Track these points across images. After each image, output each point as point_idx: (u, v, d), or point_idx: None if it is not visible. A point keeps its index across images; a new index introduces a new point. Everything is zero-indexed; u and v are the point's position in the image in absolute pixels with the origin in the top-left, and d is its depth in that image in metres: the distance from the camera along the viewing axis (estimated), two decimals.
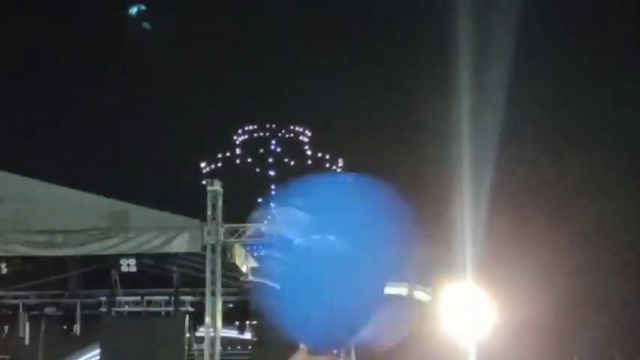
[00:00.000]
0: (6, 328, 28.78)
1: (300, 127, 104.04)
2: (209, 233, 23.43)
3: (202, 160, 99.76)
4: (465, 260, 27.23)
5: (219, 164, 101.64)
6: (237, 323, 28.19)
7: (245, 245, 25.17)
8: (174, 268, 25.35)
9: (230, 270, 24.99)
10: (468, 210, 31.58)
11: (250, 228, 24.07)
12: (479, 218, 32.54)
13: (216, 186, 23.87)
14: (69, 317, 27.90)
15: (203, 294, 24.02)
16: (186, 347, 25.57)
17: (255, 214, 24.85)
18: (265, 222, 23.85)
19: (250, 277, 25.06)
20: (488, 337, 26.07)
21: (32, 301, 27.95)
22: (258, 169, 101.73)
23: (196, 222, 23.64)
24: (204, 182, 24.18)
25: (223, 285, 24.04)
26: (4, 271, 24.78)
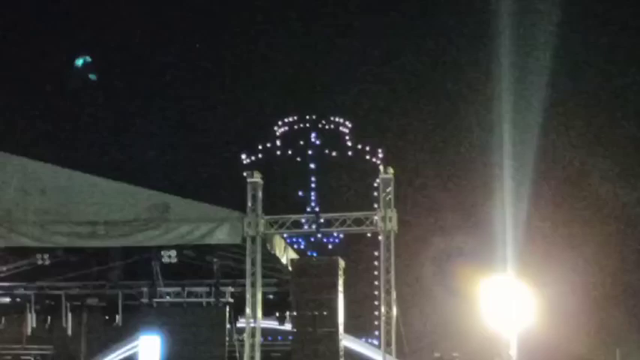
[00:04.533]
0: (49, 318, 29.05)
1: (340, 119, 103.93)
2: (249, 225, 23.50)
3: (243, 152, 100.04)
4: (506, 253, 27.16)
5: (260, 156, 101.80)
6: (277, 314, 28.34)
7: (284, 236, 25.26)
8: (215, 260, 25.47)
9: (270, 261, 25.06)
10: (510, 204, 31.47)
11: (290, 219, 24.13)
12: (520, 212, 32.43)
13: (257, 178, 23.93)
14: (111, 308, 28.13)
15: (243, 285, 24.11)
16: (227, 338, 25.66)
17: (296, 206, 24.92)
18: (305, 213, 23.88)
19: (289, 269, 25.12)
20: (529, 329, 26.00)
21: (75, 292, 28.16)
22: (298, 160, 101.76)
23: (237, 213, 23.72)
24: (244, 174, 24.21)
25: (263, 276, 24.10)
26: (47, 262, 25.04)
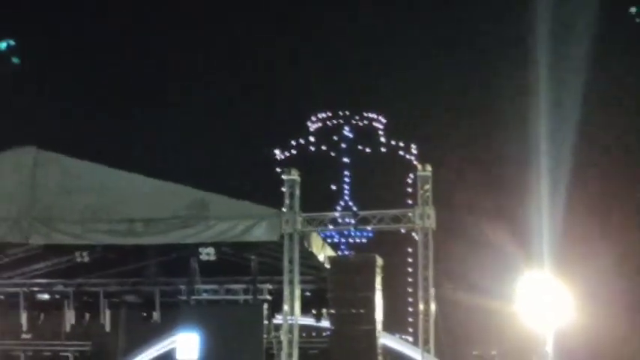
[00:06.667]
0: (87, 315, 29.26)
1: (374, 114, 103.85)
2: (287, 222, 23.55)
3: (276, 148, 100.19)
4: (543, 252, 27.05)
5: (294, 151, 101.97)
6: (313, 311, 28.36)
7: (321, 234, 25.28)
8: (253, 257, 25.50)
9: (307, 258, 25.09)
10: (547, 199, 31.32)
11: (328, 217, 24.15)
12: (557, 211, 32.27)
13: (294, 175, 23.96)
14: (148, 305, 28.26)
15: (280, 282, 24.19)
16: (265, 335, 25.69)
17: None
18: (339, 209, 23.87)
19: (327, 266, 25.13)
20: (567, 327, 25.91)
21: (113, 288, 28.35)
22: (332, 155, 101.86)
23: (274, 211, 23.77)
24: (279, 170, 24.21)
25: (300, 273, 24.14)
26: (86, 259, 25.16)
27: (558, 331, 25.73)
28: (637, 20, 47.45)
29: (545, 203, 31.44)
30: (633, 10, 46.92)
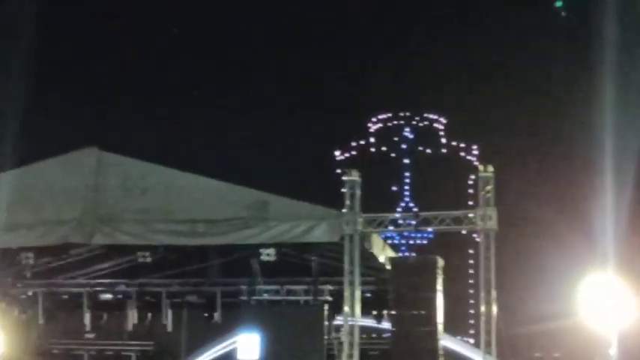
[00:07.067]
0: (149, 315, 29.43)
1: (434, 115, 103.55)
2: (347, 223, 23.54)
3: (337, 149, 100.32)
4: (607, 253, 26.74)
5: (354, 153, 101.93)
6: (374, 312, 28.31)
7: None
8: (313, 258, 25.50)
9: (368, 259, 25.04)
10: (611, 201, 30.97)
11: (388, 218, 24.09)
12: (621, 210, 31.87)
13: (354, 176, 23.93)
14: (210, 305, 28.34)
15: (341, 283, 24.15)
16: (325, 335, 25.69)
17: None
18: (399, 209, 23.84)
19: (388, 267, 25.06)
20: (629, 329, 25.60)
21: (175, 289, 28.44)
22: (393, 156, 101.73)
23: (335, 212, 23.77)
24: (339, 171, 24.25)
25: (361, 274, 24.10)
26: (148, 259, 25.34)
27: (622, 333, 25.43)
28: None
29: (609, 204, 31.11)
30: None
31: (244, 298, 26.43)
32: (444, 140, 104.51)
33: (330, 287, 26.24)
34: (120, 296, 29.07)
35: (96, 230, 24.11)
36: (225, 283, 27.92)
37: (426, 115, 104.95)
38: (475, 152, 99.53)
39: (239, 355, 25.72)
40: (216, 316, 28.55)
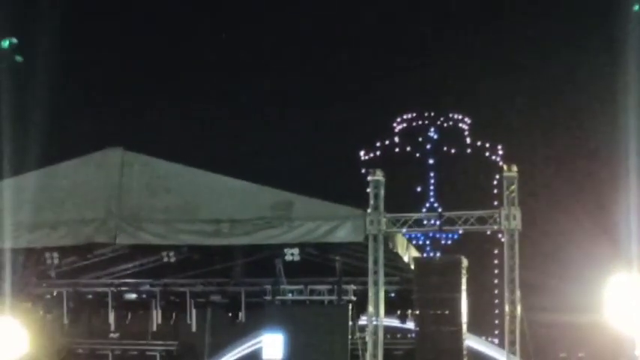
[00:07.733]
0: (174, 315, 29.52)
1: (459, 115, 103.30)
2: (371, 223, 23.50)
3: (361, 149, 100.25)
4: (632, 253, 26.57)
5: (378, 153, 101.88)
6: (398, 312, 28.29)
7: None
8: (337, 258, 25.48)
9: (392, 259, 25.02)
10: (635, 204, 30.77)
11: (412, 218, 24.05)
12: None
13: (379, 175, 23.90)
14: (234, 305, 28.41)
15: (365, 283, 24.10)
16: (349, 336, 25.69)
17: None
18: (424, 209, 23.81)
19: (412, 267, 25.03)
20: None
21: (199, 289, 28.51)
22: (417, 156, 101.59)
23: (359, 212, 23.73)
24: (364, 171, 24.23)
25: (385, 274, 24.07)
26: (172, 259, 25.37)
27: None
28: None
29: (634, 203, 30.91)
30: None
31: (268, 298, 26.42)
32: (468, 140, 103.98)
33: (354, 287, 26.23)
34: (144, 296, 29.18)
35: (120, 230, 24.15)
36: (250, 283, 27.96)
37: (450, 115, 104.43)
38: (500, 152, 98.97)
39: (264, 355, 25.72)
40: (241, 315, 28.62)
